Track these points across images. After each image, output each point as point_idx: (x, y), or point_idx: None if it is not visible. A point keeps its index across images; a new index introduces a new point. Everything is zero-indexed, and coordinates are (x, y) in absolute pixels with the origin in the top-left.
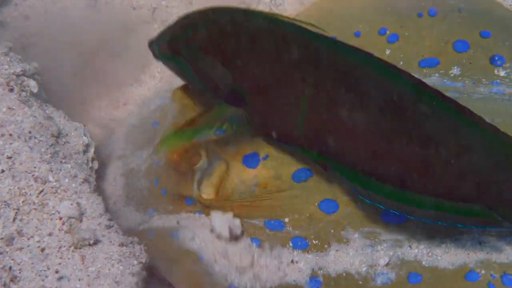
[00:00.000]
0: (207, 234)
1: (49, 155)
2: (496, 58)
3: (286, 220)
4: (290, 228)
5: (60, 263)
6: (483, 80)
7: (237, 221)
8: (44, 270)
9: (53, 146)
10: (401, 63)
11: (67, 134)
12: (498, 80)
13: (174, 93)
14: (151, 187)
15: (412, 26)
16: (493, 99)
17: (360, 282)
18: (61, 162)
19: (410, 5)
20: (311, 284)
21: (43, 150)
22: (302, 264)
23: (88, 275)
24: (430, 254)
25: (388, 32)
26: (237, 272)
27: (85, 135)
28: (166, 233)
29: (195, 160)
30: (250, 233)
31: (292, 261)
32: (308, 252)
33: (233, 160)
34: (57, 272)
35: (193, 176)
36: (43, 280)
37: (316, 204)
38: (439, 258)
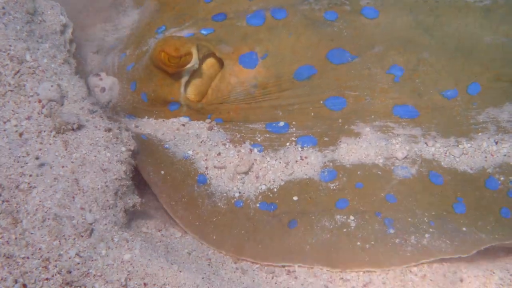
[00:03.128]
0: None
1: (25, 33)
2: None
3: (290, 121)
4: (294, 129)
5: (40, 149)
6: None
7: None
8: (23, 156)
9: (29, 24)
10: None
11: (42, 12)
12: None
13: None
14: (127, 92)
15: None
16: None
17: (379, 173)
18: (37, 41)
19: None
20: (324, 175)
21: (18, 27)
22: (312, 159)
23: (72, 162)
24: (447, 154)
25: None
26: (237, 179)
27: (62, 14)
28: (157, 144)
29: (186, 59)
30: (250, 138)
31: (300, 158)
32: (316, 148)
33: (228, 59)
34: (37, 158)
35: (180, 77)
36: (22, 167)
37: (322, 102)
38: (457, 159)
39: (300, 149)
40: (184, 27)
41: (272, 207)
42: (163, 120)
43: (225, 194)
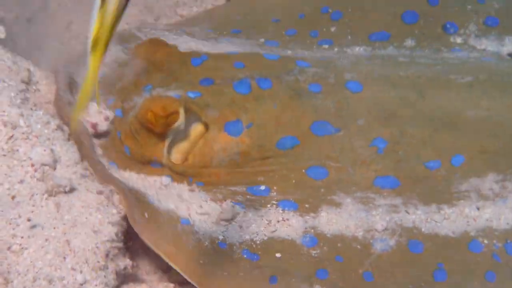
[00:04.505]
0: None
1: (20, 100)
2: (448, 26)
3: (271, 186)
4: (275, 194)
5: (32, 211)
6: (443, 48)
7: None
8: (15, 218)
9: (23, 92)
10: (349, 37)
11: (37, 82)
12: (457, 47)
13: (138, 48)
14: (114, 137)
15: (355, 2)
16: (468, 62)
17: (359, 247)
18: (31, 109)
19: None
20: (305, 240)
21: (12, 94)
22: (293, 222)
23: (64, 224)
24: (428, 220)
25: (330, 10)
26: (220, 225)
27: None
28: (141, 197)
29: (172, 119)
30: (232, 198)
31: (282, 219)
32: (297, 212)
33: (214, 124)
34: (29, 220)
35: (164, 137)
36: (14, 229)
37: (304, 170)
38: (438, 224)
39: (281, 211)
40: (171, 88)
41: (255, 257)
42: (145, 176)
43: (209, 235)
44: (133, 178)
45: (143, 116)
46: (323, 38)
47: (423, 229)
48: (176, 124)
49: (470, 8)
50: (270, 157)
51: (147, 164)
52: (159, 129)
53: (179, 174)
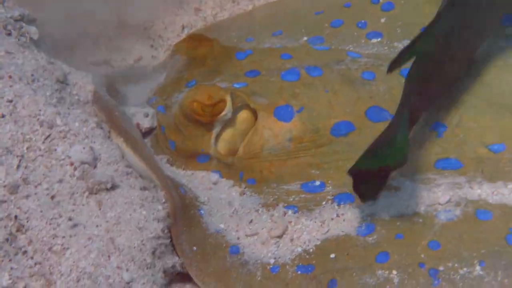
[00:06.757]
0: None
1: (55, 99)
2: (504, 18)
3: (326, 180)
4: (331, 187)
5: (73, 210)
6: (499, 39)
7: None
8: (56, 218)
9: (58, 91)
10: (398, 31)
11: (73, 81)
12: None
13: (177, 46)
14: (158, 132)
15: None
16: None
17: (421, 220)
18: (68, 108)
19: None
20: (361, 230)
21: (48, 93)
22: (349, 215)
23: (107, 221)
24: (495, 193)
25: (381, 0)
26: (271, 245)
27: (93, 83)
28: (193, 204)
29: (219, 108)
30: (284, 200)
31: (337, 215)
32: (354, 204)
33: (263, 111)
34: (70, 219)
35: (211, 128)
36: (54, 229)
37: None
38: (506, 196)
39: (336, 207)
40: (215, 81)
41: (310, 268)
42: (192, 173)
43: (259, 261)
44: (181, 174)
45: (188, 107)
46: (372, 30)
47: (490, 201)
48: (223, 113)
49: None
50: (324, 145)
51: (193, 158)
52: (206, 118)
53: (228, 167)
